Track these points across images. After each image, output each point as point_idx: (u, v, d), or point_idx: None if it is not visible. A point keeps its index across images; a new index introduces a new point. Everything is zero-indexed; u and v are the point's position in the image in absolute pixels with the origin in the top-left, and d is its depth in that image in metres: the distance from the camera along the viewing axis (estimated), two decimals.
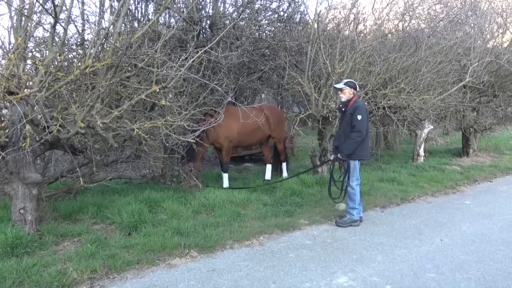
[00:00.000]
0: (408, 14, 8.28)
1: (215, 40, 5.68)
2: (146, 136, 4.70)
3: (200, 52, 5.18)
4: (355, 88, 5.75)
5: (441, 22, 8.65)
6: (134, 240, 4.88)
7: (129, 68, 4.94)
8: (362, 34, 7.94)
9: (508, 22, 11.31)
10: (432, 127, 10.92)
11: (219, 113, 6.81)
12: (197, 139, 5.71)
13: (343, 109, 5.81)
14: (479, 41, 9.74)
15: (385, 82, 8.04)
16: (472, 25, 9.84)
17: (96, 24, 5.67)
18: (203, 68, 5.52)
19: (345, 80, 5.90)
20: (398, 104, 7.96)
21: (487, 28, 10.86)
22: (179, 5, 7.37)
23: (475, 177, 9.12)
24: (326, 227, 5.65)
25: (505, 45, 11.21)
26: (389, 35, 8.33)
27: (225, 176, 7.73)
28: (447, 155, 12.00)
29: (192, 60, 5.04)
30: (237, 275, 4.08)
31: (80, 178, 4.97)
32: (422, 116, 9.36)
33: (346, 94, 5.71)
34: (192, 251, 4.66)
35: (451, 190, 7.95)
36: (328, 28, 8.35)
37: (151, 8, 7.52)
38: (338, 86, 5.79)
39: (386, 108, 7.96)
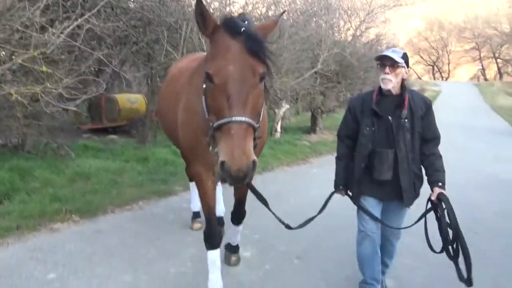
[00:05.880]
0: (274, 3, 9.21)
1: (96, 9, 5.68)
2: (26, 102, 4.60)
3: (80, 20, 5.19)
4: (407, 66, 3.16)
5: (300, 16, 9.81)
6: (8, 207, 4.79)
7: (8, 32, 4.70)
8: None
9: (352, 20, 13.27)
10: (288, 106, 12.28)
11: None
12: None
13: (398, 106, 3.08)
14: (330, 33, 11.31)
15: None
16: (325, 19, 11.34)
17: None
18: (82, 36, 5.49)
19: (399, 50, 3.14)
20: None
21: (336, 23, 12.58)
22: None
23: (320, 151, 10.66)
24: None
25: (349, 39, 13.13)
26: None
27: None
28: (299, 132, 13.59)
29: (71, 27, 5.02)
30: (124, 234, 4.41)
31: None
32: (281, 96, 10.54)
33: (399, 76, 3.05)
34: (74, 216, 4.79)
35: (302, 161, 9.27)
36: None
37: None
38: (391, 54, 3.00)
39: None
